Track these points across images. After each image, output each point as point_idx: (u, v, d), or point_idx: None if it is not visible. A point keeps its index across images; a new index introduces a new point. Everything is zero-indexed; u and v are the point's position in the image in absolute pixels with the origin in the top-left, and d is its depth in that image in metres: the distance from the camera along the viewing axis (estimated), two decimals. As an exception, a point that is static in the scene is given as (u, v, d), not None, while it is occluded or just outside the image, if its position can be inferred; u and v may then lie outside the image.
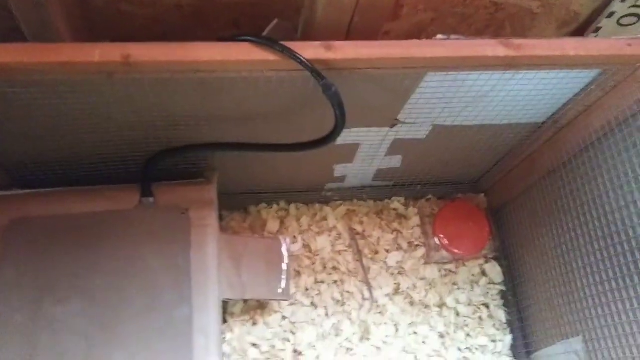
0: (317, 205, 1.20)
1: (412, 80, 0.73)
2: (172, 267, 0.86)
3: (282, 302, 1.08)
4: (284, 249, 1.03)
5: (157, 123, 0.77)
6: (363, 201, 1.22)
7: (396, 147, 0.97)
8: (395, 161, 1.05)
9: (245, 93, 0.71)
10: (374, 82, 0.73)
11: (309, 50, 0.63)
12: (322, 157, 1.00)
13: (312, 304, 1.11)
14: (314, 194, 1.18)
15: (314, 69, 0.63)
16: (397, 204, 1.23)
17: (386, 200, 1.23)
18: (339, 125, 0.68)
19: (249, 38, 0.63)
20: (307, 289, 1.13)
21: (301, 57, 0.62)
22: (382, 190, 1.21)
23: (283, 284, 1.00)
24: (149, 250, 0.86)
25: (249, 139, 0.84)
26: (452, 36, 0.68)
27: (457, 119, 0.87)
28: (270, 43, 0.63)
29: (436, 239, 1.18)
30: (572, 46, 0.69)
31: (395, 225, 1.21)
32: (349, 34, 0.71)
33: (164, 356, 0.79)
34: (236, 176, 1.04)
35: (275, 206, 1.19)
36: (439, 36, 0.69)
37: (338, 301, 1.12)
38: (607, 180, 0.83)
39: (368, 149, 0.97)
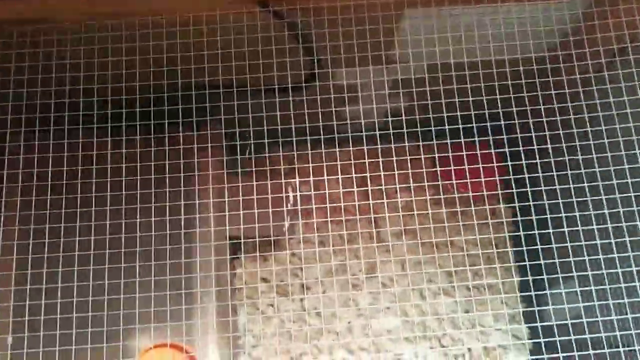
0: (328, 147, 1.22)
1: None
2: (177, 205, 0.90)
3: (290, 240, 1.13)
4: (290, 190, 1.07)
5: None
6: (373, 143, 1.23)
7: (398, 87, 0.97)
8: (401, 101, 1.05)
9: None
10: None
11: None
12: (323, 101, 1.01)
13: (321, 242, 1.15)
14: (324, 137, 1.20)
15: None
16: (407, 145, 1.23)
17: (396, 143, 1.24)
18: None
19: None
20: (317, 228, 1.16)
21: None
22: (393, 133, 1.21)
23: (288, 224, 1.04)
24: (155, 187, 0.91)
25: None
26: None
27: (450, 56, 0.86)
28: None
29: (447, 180, 1.18)
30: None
31: (406, 166, 1.22)
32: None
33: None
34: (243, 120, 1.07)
35: (286, 148, 1.21)
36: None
37: (347, 240, 1.15)
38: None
39: (369, 90, 0.98)
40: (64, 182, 0.81)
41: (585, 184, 0.81)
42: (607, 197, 0.81)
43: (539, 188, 0.90)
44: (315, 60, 0.84)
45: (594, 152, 0.80)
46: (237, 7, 0.78)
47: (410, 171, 1.20)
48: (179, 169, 0.86)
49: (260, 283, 1.12)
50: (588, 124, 0.81)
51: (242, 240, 1.10)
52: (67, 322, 0.73)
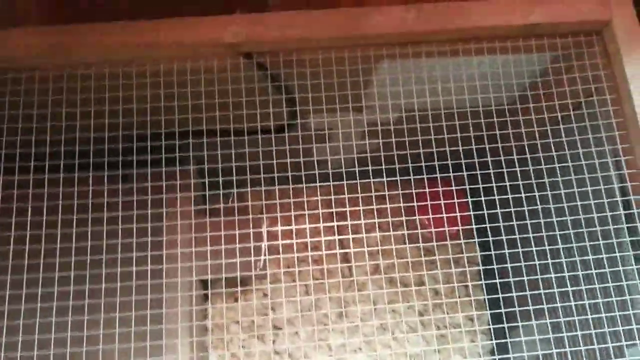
0: (299, 186, 1.24)
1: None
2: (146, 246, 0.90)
3: (262, 280, 1.13)
4: (263, 229, 1.08)
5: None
6: (344, 181, 1.25)
7: (370, 131, 0.99)
8: (373, 145, 1.07)
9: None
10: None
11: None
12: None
13: (293, 281, 1.16)
14: (298, 175, 1.21)
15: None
16: (378, 184, 1.25)
17: (367, 181, 1.26)
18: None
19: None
20: (288, 266, 1.17)
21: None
22: (363, 172, 1.23)
23: (262, 263, 1.05)
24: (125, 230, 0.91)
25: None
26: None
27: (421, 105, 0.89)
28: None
29: (416, 219, 1.20)
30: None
31: (377, 205, 1.23)
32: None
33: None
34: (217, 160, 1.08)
35: (258, 187, 1.23)
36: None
37: (317, 279, 1.16)
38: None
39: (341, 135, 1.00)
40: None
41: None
42: (563, 246, 0.84)
43: (500, 224, 0.92)
44: (297, 105, 0.86)
45: (550, 201, 0.83)
46: (221, 58, 0.80)
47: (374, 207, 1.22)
48: (146, 206, 0.86)
49: (231, 324, 1.12)
50: (545, 172, 0.84)
51: (210, 277, 1.10)
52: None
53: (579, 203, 0.80)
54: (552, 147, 0.82)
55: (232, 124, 0.84)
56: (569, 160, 0.80)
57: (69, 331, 0.75)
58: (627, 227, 0.80)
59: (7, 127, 0.81)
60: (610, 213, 0.79)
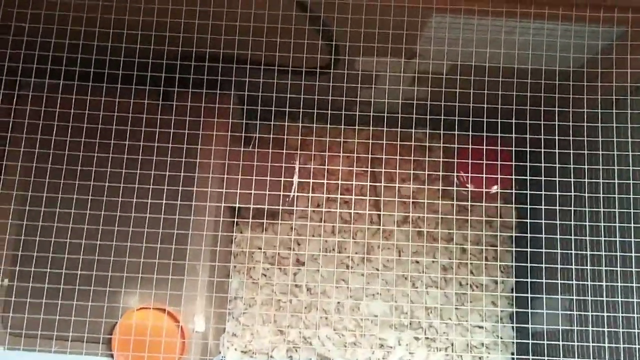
0: (340, 127, 1.21)
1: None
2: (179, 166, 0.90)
3: (292, 214, 1.13)
4: (296, 164, 1.06)
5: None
6: (387, 127, 1.22)
7: (419, 79, 0.95)
8: (421, 93, 1.03)
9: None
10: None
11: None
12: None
13: (321, 219, 1.15)
14: (338, 114, 1.18)
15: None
16: (420, 134, 1.22)
17: (410, 130, 1.22)
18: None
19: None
20: (318, 205, 1.17)
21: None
22: (407, 120, 1.19)
23: (291, 197, 1.04)
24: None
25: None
26: None
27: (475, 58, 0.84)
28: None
29: (455, 174, 1.17)
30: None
31: (416, 155, 1.20)
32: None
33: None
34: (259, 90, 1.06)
35: (299, 122, 1.20)
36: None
37: (346, 220, 1.16)
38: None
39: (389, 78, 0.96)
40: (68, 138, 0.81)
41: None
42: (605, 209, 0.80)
43: (549, 193, 0.89)
44: (334, 47, 0.82)
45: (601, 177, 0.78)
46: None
47: (412, 158, 1.19)
48: (185, 129, 0.86)
49: (256, 251, 1.13)
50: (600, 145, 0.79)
51: (249, 206, 1.10)
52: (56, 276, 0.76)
53: (629, 181, 0.75)
54: (600, 133, 0.77)
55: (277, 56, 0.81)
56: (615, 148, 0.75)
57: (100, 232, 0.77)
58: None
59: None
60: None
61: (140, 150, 0.83)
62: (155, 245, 0.79)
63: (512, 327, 1.14)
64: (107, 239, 0.77)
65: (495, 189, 1.16)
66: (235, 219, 1.15)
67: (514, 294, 1.17)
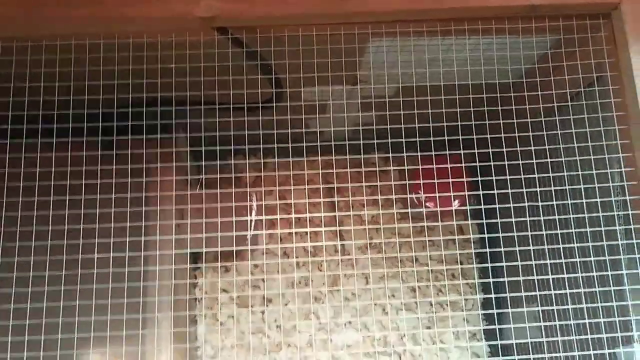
0: (294, 158, 1.20)
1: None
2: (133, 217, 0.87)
3: (253, 251, 1.11)
4: (254, 201, 1.05)
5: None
6: (341, 155, 1.21)
7: (366, 104, 0.95)
8: (369, 118, 1.03)
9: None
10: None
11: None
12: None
13: (285, 254, 1.14)
14: (285, 147, 1.18)
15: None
16: (376, 158, 1.22)
17: (365, 155, 1.22)
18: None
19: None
20: (280, 239, 1.15)
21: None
22: (356, 146, 1.19)
23: (251, 235, 1.03)
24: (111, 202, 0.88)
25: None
26: None
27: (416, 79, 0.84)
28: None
29: (414, 195, 1.17)
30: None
31: (373, 180, 1.20)
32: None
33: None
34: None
35: (252, 158, 1.19)
36: None
37: (310, 252, 1.14)
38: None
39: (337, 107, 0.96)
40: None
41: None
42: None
43: (506, 205, 0.89)
44: (273, 80, 0.82)
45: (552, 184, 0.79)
46: (194, 33, 0.75)
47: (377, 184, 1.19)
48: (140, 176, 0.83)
49: (220, 294, 1.10)
50: (548, 152, 0.80)
51: (204, 250, 1.08)
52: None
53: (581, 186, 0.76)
54: (545, 140, 0.78)
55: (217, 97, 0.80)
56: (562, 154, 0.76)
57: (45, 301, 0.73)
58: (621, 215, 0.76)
59: None
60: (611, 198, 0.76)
61: (97, 204, 0.81)
62: (111, 301, 0.75)
63: (482, 345, 1.13)
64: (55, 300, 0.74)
65: (454, 205, 1.16)
66: (194, 265, 1.12)
67: (480, 311, 1.16)
